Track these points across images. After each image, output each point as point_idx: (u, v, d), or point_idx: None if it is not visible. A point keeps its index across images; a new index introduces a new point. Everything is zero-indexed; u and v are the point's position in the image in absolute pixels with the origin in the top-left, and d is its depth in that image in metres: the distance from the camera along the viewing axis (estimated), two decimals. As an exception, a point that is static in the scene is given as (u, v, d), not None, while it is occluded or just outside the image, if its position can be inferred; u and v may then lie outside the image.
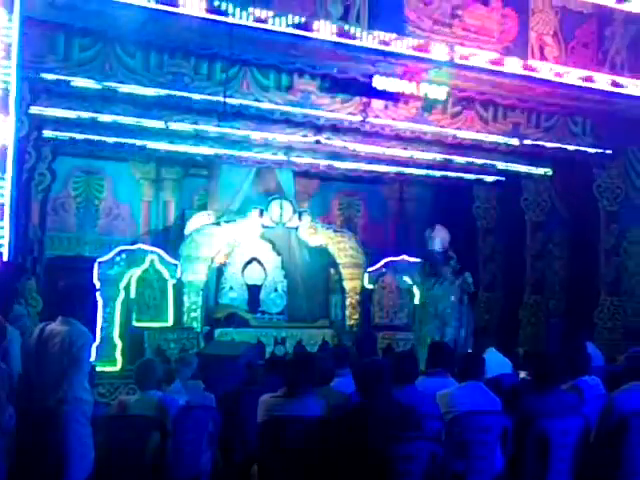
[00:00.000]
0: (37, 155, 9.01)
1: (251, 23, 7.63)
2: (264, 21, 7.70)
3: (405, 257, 11.82)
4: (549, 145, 10.69)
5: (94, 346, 9.01)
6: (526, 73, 9.19)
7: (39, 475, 4.07)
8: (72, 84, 8.07)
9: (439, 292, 10.33)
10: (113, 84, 8.12)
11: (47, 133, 9.57)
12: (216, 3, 7.48)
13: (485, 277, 12.97)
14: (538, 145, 10.62)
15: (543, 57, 9.36)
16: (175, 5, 7.31)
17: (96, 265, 10.11)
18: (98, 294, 9.94)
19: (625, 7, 9.93)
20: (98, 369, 8.14)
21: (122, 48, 7.95)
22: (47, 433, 4.02)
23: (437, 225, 9.93)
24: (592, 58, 9.72)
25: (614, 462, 4.50)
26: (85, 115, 9.03)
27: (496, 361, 6.91)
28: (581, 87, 9.58)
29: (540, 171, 11.94)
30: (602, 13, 9.81)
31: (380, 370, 4.18)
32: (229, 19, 7.54)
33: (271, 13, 7.71)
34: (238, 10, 7.58)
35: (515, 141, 10.42)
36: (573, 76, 9.47)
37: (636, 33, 9.99)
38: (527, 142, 10.48)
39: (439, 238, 9.83)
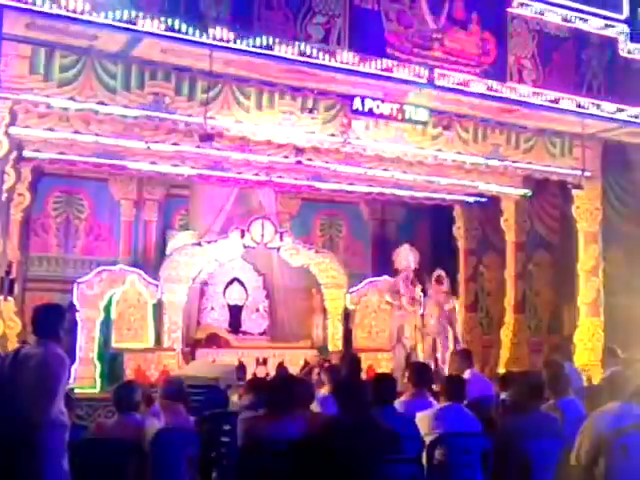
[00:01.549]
0: (16, 175, 8.96)
1: (232, 45, 7.64)
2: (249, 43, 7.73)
3: (387, 278, 11.85)
4: (528, 166, 10.80)
5: (73, 368, 8.97)
6: (505, 95, 9.28)
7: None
8: (52, 104, 8.05)
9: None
10: (94, 105, 8.10)
11: (27, 153, 9.53)
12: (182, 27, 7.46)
13: (467, 297, 13.01)
14: (518, 166, 10.73)
15: (521, 80, 9.47)
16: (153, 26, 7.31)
17: (76, 285, 10.05)
18: (78, 315, 9.86)
19: (601, 31, 10.09)
20: (77, 391, 8.05)
21: (103, 68, 7.95)
22: (21, 459, 3.95)
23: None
24: (569, 81, 9.85)
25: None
26: (65, 135, 8.99)
27: (477, 382, 6.90)
28: (559, 109, 9.69)
29: (520, 192, 12.04)
30: (579, 36, 9.96)
31: (360, 388, 4.17)
32: (209, 40, 7.55)
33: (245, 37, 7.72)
34: (219, 30, 7.58)
35: (495, 162, 10.52)
36: (551, 98, 9.59)
37: (612, 56, 10.15)
38: (507, 163, 10.58)
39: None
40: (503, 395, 6.04)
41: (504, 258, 12.51)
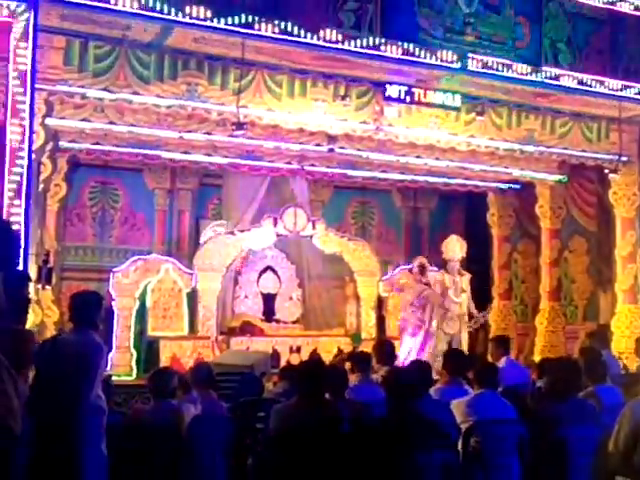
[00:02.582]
0: (53, 166, 9.09)
1: (263, 32, 7.64)
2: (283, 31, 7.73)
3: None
4: (564, 152, 10.65)
5: (109, 356, 9.10)
6: (540, 79, 9.15)
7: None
8: (87, 95, 8.13)
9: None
10: (128, 95, 8.16)
11: (63, 144, 9.65)
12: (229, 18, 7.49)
13: (501, 285, 12.90)
14: (553, 152, 10.58)
15: (557, 64, 9.33)
16: (185, 15, 7.34)
17: (112, 275, 10.18)
18: (114, 303, 9.99)
19: (638, 13, 9.88)
20: (113, 378, 8.16)
21: (136, 58, 8.01)
22: (61, 444, 4.02)
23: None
24: (606, 64, 9.67)
25: (633, 470, 4.44)
26: (100, 126, 9.09)
27: (512, 370, 6.86)
28: (596, 92, 9.53)
29: (555, 178, 11.89)
30: (616, 19, 9.76)
31: (415, 381, 4.16)
32: (241, 29, 7.56)
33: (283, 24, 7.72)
34: (251, 18, 7.59)
35: (530, 148, 10.38)
36: (587, 82, 9.43)
37: (650, 39, 9.94)
38: (542, 149, 10.44)
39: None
40: (539, 382, 5.99)
41: (539, 245, 12.38)
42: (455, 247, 10.85)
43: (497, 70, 8.87)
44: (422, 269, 10.33)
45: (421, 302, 10.13)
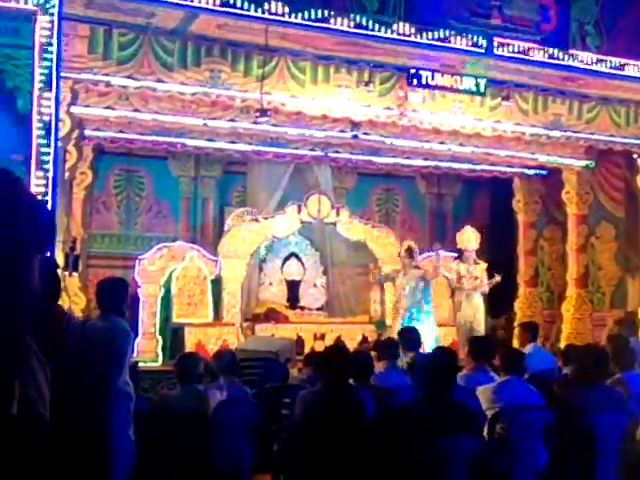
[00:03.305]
0: (78, 154, 9.15)
1: (287, 18, 7.61)
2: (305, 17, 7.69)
3: (443, 253, 11.74)
4: (591, 136, 10.51)
5: (135, 342, 9.18)
6: (567, 63, 9.01)
7: (82, 471, 4.12)
8: (112, 83, 8.17)
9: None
10: (152, 83, 8.18)
11: (88, 132, 9.71)
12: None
13: (526, 272, 12.80)
14: (580, 136, 10.45)
15: (584, 46, 9.19)
16: (208, 2, 7.33)
17: (137, 262, 10.25)
18: (139, 290, 10.07)
19: (669, -6, 9.70)
20: (139, 365, 8.23)
21: (160, 46, 8.02)
22: (89, 429, 4.06)
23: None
24: (634, 47, 9.50)
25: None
26: (124, 114, 9.13)
27: (539, 356, 6.81)
28: (624, 76, 9.37)
29: (582, 163, 11.74)
30: (645, 0, 9.60)
31: (452, 366, 4.15)
32: (264, 14, 7.53)
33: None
34: (274, 4, 7.56)
35: (556, 133, 10.26)
36: (615, 65, 9.28)
37: (681, 20, 9.74)
38: (569, 134, 10.31)
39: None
40: (566, 369, 5.94)
41: (565, 231, 12.26)
42: (470, 238, 10.86)
43: (523, 54, 8.75)
44: (410, 252, 10.24)
45: (419, 285, 10.04)
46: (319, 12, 7.71)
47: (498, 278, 10.55)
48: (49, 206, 6.64)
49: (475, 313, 10.49)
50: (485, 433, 4.55)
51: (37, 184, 6.62)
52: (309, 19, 7.70)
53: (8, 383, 1.12)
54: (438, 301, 11.59)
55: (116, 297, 4.35)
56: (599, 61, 9.19)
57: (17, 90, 6.82)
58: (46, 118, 6.73)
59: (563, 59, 8.99)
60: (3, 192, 1.13)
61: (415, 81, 8.78)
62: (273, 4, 7.55)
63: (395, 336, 7.03)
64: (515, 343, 8.18)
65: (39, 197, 6.60)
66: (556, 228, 12.69)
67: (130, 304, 6.27)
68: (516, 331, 7.94)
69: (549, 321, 12.38)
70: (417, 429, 3.74)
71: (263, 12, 7.54)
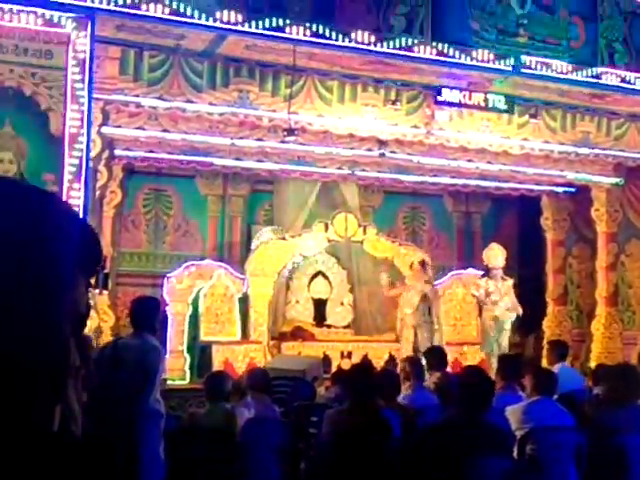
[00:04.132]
0: (108, 174, 9.28)
1: (311, 38, 7.69)
2: (328, 37, 7.76)
3: (472, 270, 11.70)
4: (620, 154, 10.43)
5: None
6: (595, 80, 8.98)
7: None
8: (142, 104, 8.29)
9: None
10: (181, 103, 8.29)
11: (118, 152, 9.85)
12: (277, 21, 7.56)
13: (555, 290, 12.69)
14: (609, 154, 10.38)
15: (612, 64, 9.15)
16: (236, 24, 7.43)
17: (166, 280, 10.33)
18: (167, 308, 10.14)
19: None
20: (167, 382, 8.28)
21: (189, 67, 8.13)
22: (121, 446, 4.10)
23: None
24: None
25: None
26: (154, 134, 9.25)
27: (567, 376, 6.73)
28: (652, 93, 9.32)
29: (611, 180, 11.65)
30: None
31: (488, 386, 4.13)
32: (292, 35, 7.62)
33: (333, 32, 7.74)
34: (298, 28, 7.64)
35: (585, 150, 10.19)
36: (644, 82, 9.23)
37: None
38: (597, 151, 10.24)
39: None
40: (596, 389, 5.87)
41: (594, 249, 12.13)
42: (497, 255, 10.81)
43: (552, 71, 8.73)
44: (423, 265, 10.20)
45: (425, 301, 10.01)
46: (346, 32, 7.77)
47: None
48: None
49: (504, 332, 10.41)
50: (515, 454, 4.51)
51: (70, 204, 6.73)
52: (336, 39, 7.76)
53: (53, 402, 1.14)
54: (466, 320, 11.55)
55: (149, 315, 4.39)
56: (627, 78, 9.14)
57: (50, 111, 6.96)
58: (78, 139, 6.85)
59: (592, 77, 8.95)
60: (35, 208, 1.14)
61: (442, 99, 8.80)
62: (300, 27, 7.63)
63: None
64: (544, 362, 8.08)
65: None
66: (585, 246, 12.57)
67: (160, 322, 6.33)
68: (544, 350, 7.84)
69: (578, 340, 12.23)
70: (450, 449, 3.72)
71: (290, 33, 7.62)
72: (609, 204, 11.84)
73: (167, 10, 7.13)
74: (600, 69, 8.95)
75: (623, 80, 9.06)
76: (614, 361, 10.40)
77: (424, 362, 6.66)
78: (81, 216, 6.78)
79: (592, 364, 10.82)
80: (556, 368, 6.71)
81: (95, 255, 1.21)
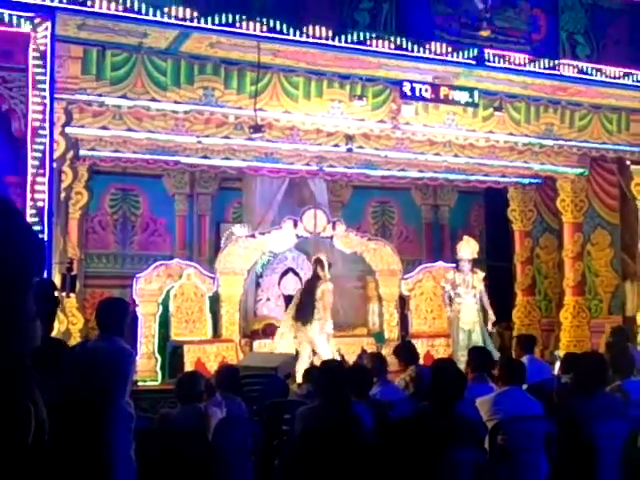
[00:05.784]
0: (73, 174, 9.15)
1: (277, 35, 7.66)
2: (286, 33, 7.73)
3: (441, 263, 11.78)
4: (584, 144, 10.56)
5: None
6: (558, 72, 9.08)
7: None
8: (105, 103, 8.20)
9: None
10: (145, 102, 8.21)
11: (83, 152, 9.72)
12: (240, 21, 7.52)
13: (524, 281, 12.82)
14: (573, 145, 10.50)
15: (574, 56, 9.25)
16: (192, 20, 7.38)
17: (134, 280, 10.24)
18: (137, 309, 10.05)
19: (657, 2, 9.79)
20: (139, 384, 8.21)
21: (153, 65, 8.05)
22: (91, 449, 4.05)
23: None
24: (624, 55, 9.58)
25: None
26: (119, 133, 9.15)
27: (535, 367, 6.80)
28: (614, 84, 9.44)
29: (576, 171, 11.79)
30: (634, 9, 9.67)
31: (461, 378, 4.16)
32: (256, 32, 7.58)
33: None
34: (267, 21, 7.60)
35: (549, 142, 10.31)
36: (605, 74, 9.34)
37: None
38: (561, 142, 10.36)
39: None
40: (565, 378, 5.94)
41: (561, 239, 12.28)
42: (466, 248, 10.91)
43: (515, 64, 8.81)
44: (320, 264, 10.17)
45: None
46: (311, 28, 7.76)
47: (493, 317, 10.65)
48: (46, 227, 6.65)
49: (473, 323, 10.51)
50: (487, 445, 4.55)
51: (32, 206, 6.63)
52: (301, 35, 7.75)
53: (22, 406, 1.13)
54: (436, 313, 11.62)
55: (116, 317, 4.34)
56: (589, 70, 9.25)
57: (11, 112, 6.85)
58: (41, 139, 6.75)
59: (554, 69, 9.05)
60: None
61: (407, 94, 8.83)
62: (265, 21, 7.59)
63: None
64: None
65: (35, 219, 6.62)
66: (552, 236, 12.72)
67: (130, 323, 6.28)
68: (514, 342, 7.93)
69: (547, 329, 12.39)
70: (422, 441, 3.74)
71: (255, 29, 7.59)
72: (574, 194, 12.00)
73: (121, 8, 7.05)
74: (560, 61, 9.04)
75: (581, 71, 9.17)
76: (583, 349, 10.57)
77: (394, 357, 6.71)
78: (46, 219, 6.69)
79: (561, 353, 10.97)
80: (524, 360, 6.78)
81: (44, 255, 1.21)
